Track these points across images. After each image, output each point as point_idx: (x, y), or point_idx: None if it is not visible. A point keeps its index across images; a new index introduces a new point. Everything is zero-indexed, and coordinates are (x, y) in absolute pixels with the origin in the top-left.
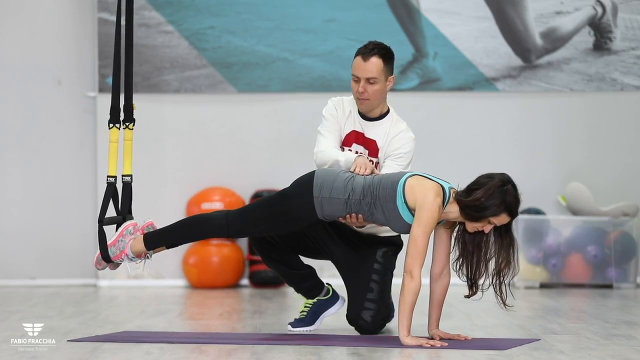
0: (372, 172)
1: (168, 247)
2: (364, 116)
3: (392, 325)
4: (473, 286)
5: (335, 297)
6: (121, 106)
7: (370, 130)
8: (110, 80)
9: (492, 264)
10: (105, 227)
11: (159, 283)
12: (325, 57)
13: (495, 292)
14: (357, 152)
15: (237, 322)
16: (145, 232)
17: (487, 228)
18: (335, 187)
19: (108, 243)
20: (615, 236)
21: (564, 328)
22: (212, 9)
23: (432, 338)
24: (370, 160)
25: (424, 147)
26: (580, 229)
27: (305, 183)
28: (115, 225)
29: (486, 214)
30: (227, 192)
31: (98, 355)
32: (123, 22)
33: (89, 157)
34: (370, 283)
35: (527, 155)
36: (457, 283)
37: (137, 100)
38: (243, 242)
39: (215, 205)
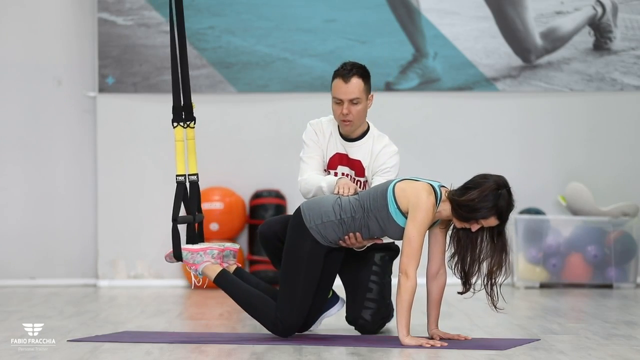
0: (355, 191)
1: None
2: (345, 137)
3: (392, 325)
4: (466, 283)
5: (335, 298)
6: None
7: (354, 151)
8: (110, 80)
9: (485, 265)
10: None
11: (159, 283)
12: (325, 57)
13: (487, 293)
14: (343, 174)
15: (237, 322)
16: (225, 260)
17: (474, 227)
18: (324, 212)
19: (187, 247)
20: (615, 236)
21: (564, 328)
22: (212, 9)
23: (432, 338)
24: (358, 181)
25: (424, 147)
26: (580, 229)
27: (296, 222)
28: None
29: (477, 216)
30: (227, 192)
31: (98, 355)
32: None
33: (89, 157)
34: (369, 284)
35: (527, 155)
36: (456, 282)
37: (137, 100)
38: (243, 242)
39: (215, 205)
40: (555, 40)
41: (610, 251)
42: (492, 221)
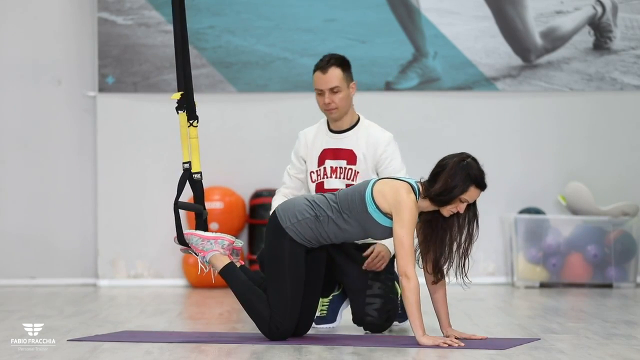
0: None
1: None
2: (335, 131)
3: (397, 325)
4: (439, 272)
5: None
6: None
7: (344, 142)
8: (110, 79)
9: (456, 243)
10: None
11: (159, 283)
12: None
13: (456, 271)
14: (331, 168)
15: (237, 322)
16: (233, 256)
17: (462, 207)
18: (298, 210)
19: (198, 233)
20: (615, 236)
21: (564, 327)
22: (212, 8)
23: (447, 337)
24: (350, 169)
25: (424, 147)
26: (580, 229)
27: (272, 225)
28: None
29: (456, 193)
30: (227, 191)
31: (98, 355)
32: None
33: (89, 157)
34: (369, 282)
35: (527, 155)
36: (454, 282)
37: (137, 99)
38: (243, 242)
39: (215, 204)
40: (555, 39)
41: (610, 251)
42: (473, 191)
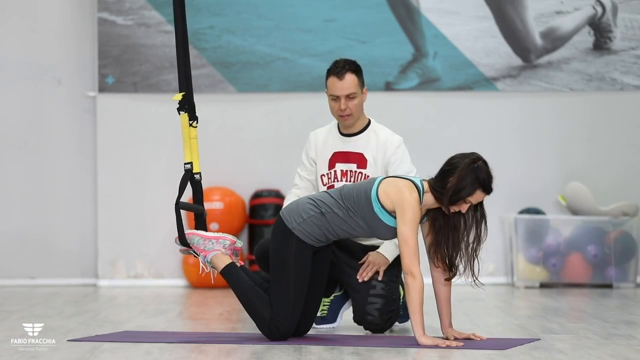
0: None
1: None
2: (345, 134)
3: (398, 326)
4: (452, 267)
5: (347, 293)
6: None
7: (354, 145)
8: (110, 79)
9: (465, 241)
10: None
11: (159, 283)
12: (325, 57)
13: (466, 270)
14: (342, 171)
15: (237, 322)
16: (234, 256)
17: (464, 208)
18: (303, 209)
19: (199, 232)
20: (615, 236)
21: (564, 328)
22: (212, 8)
23: (447, 338)
24: (360, 173)
25: (424, 147)
26: (580, 229)
27: (278, 227)
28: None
29: (463, 195)
30: (227, 191)
31: (98, 355)
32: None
33: (89, 157)
34: (373, 281)
35: (527, 155)
36: (455, 282)
37: (137, 99)
38: (243, 242)
39: (215, 205)
40: (555, 40)
41: (610, 251)
42: (479, 195)
